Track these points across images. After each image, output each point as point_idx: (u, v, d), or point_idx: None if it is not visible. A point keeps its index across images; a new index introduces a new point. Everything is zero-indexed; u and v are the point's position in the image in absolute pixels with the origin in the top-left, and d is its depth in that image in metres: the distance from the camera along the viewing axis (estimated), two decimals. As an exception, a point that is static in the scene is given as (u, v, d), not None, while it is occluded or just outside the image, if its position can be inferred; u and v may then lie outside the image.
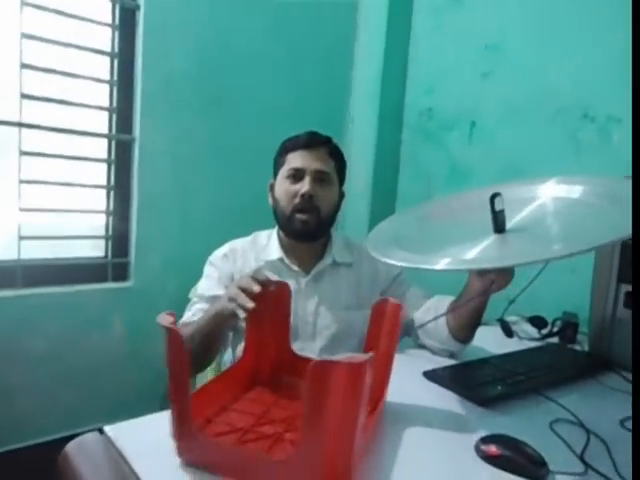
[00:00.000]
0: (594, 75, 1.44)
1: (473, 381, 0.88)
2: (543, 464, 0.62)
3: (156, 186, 1.52)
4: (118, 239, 1.52)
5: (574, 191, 0.83)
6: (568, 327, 1.21)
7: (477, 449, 0.67)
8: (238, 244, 1.11)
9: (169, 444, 0.62)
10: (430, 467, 0.65)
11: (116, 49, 1.45)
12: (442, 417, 0.80)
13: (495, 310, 1.45)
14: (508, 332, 1.29)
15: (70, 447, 0.62)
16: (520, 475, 0.62)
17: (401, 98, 1.96)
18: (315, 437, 0.50)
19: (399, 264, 0.74)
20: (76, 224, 1.51)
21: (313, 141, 1.04)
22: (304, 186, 1.01)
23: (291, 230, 1.04)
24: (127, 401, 1.52)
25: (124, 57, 1.45)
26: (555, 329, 1.26)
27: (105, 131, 1.49)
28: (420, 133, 1.92)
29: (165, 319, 0.59)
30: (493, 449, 0.65)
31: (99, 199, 1.52)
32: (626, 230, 0.60)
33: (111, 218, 1.51)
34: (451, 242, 0.76)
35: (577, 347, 1.17)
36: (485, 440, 0.67)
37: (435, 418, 0.79)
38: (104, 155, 1.50)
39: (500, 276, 0.83)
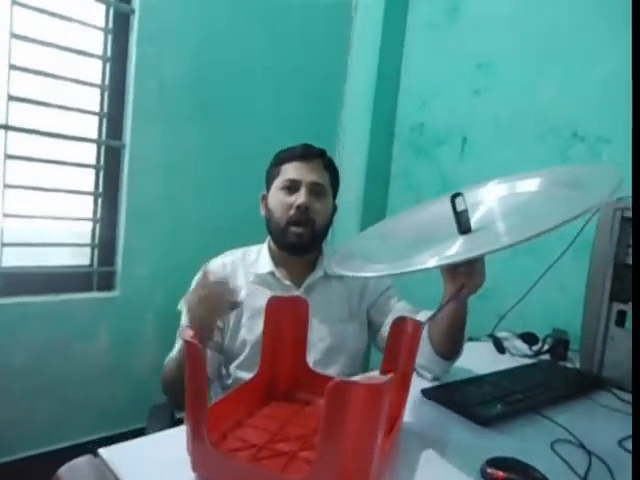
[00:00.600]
0: (584, 95, 1.47)
1: (472, 400, 0.87)
2: (551, 488, 0.62)
3: (145, 194, 1.49)
4: (104, 247, 1.48)
5: (534, 184, 0.85)
6: (559, 344, 1.23)
7: (483, 473, 0.66)
8: (228, 260, 1.10)
9: (169, 465, 0.60)
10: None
11: (109, 53, 1.42)
12: (444, 437, 0.79)
13: (486, 326, 1.46)
14: (500, 348, 1.30)
15: (63, 472, 0.59)
16: (526, 499, 0.62)
17: (393, 112, 1.97)
18: (332, 457, 0.49)
19: (371, 275, 0.75)
20: (55, 231, 1.46)
21: (308, 153, 1.05)
22: (300, 197, 1.01)
23: (285, 243, 1.03)
24: (112, 415, 1.47)
25: (116, 62, 1.42)
26: (546, 346, 1.27)
27: (94, 136, 1.45)
28: (411, 147, 1.93)
29: (186, 333, 0.58)
30: (500, 473, 0.64)
31: (85, 206, 1.47)
32: (583, 206, 0.60)
33: (98, 225, 1.47)
34: (419, 250, 0.74)
35: (568, 364, 1.18)
36: (491, 463, 0.66)
37: (437, 438, 0.78)
38: (93, 161, 1.46)
39: (469, 279, 0.80)
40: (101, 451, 0.62)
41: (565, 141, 1.51)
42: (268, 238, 1.11)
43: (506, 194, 0.86)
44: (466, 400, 0.87)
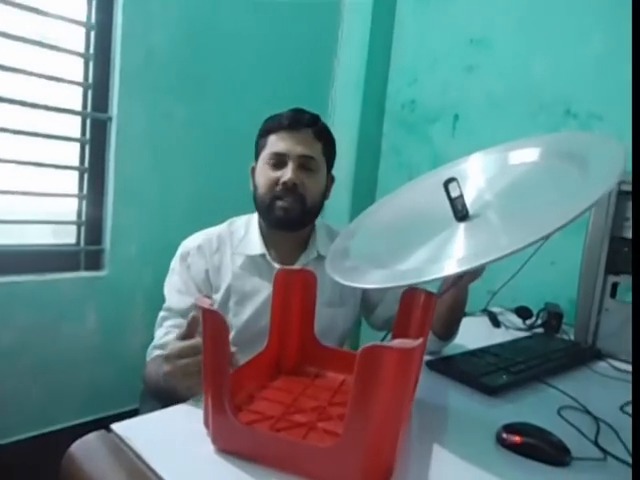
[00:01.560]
0: (577, 72, 1.48)
1: (477, 371, 0.88)
2: (566, 450, 0.63)
3: (134, 169, 1.43)
4: (91, 225, 1.42)
5: (531, 154, 0.78)
6: (553, 317, 1.25)
7: (499, 437, 0.67)
8: (213, 234, 1.01)
9: (185, 438, 0.59)
10: (453, 457, 0.64)
11: (93, 20, 1.34)
12: (453, 407, 0.80)
13: (477, 301, 1.48)
14: (495, 322, 1.32)
15: (75, 449, 0.56)
16: (544, 462, 0.63)
17: (383, 89, 1.95)
18: (363, 424, 0.48)
19: (377, 287, 0.66)
20: (31, 208, 1.39)
21: (297, 121, 0.93)
22: (286, 174, 0.91)
23: (271, 219, 0.95)
24: (102, 397, 1.44)
25: (101, 29, 1.35)
26: (539, 320, 1.30)
27: (79, 108, 1.38)
28: (402, 124, 1.91)
29: (203, 301, 0.55)
30: (516, 437, 0.65)
31: (70, 182, 1.41)
32: (595, 195, 0.56)
33: (84, 202, 1.41)
34: (419, 244, 0.69)
35: (562, 336, 1.21)
36: (507, 428, 0.67)
37: (447, 408, 0.79)
38: (77, 134, 1.39)
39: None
40: (114, 426, 0.60)
41: (558, 118, 1.52)
42: (257, 215, 1.03)
43: (498, 167, 0.82)
44: (472, 371, 0.88)
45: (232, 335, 0.96)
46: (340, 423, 0.62)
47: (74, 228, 1.44)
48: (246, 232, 1.01)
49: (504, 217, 0.69)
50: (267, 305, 0.78)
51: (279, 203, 0.93)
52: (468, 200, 0.71)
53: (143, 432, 0.60)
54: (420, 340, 0.52)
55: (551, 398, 0.83)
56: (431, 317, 0.73)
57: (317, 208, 0.99)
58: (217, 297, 0.97)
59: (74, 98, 1.37)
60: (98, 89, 1.37)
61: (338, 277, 0.69)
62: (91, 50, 1.35)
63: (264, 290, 0.96)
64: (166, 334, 0.93)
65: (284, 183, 0.92)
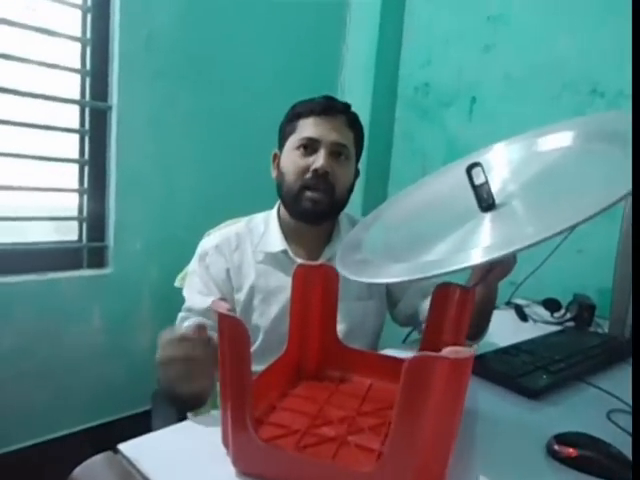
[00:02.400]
0: (604, 48, 1.39)
1: (513, 371, 0.81)
2: (628, 464, 0.56)
3: (136, 161, 1.36)
4: (94, 220, 1.36)
5: (565, 139, 0.70)
6: (585, 310, 1.17)
7: (550, 449, 0.60)
8: (232, 232, 0.96)
9: (201, 459, 0.53)
10: (502, 472, 0.58)
11: (89, 1, 1.26)
12: (494, 413, 0.73)
13: (500, 293, 1.40)
14: (522, 316, 1.25)
15: (78, 474, 0.50)
16: (602, 477, 0.56)
17: (395, 72, 1.86)
18: (409, 444, 0.42)
19: (395, 280, 0.64)
20: (31, 204, 1.32)
21: (331, 107, 0.89)
22: (318, 160, 0.86)
23: (298, 210, 0.90)
24: (108, 399, 1.38)
25: (98, 11, 1.27)
26: (568, 313, 1.22)
27: (77, 97, 1.31)
28: (416, 109, 1.83)
29: (219, 305, 0.49)
30: (571, 449, 0.58)
31: (70, 176, 1.34)
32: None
33: (85, 197, 1.34)
34: (441, 236, 0.62)
35: (599, 330, 1.14)
36: (559, 439, 0.60)
37: (487, 415, 0.72)
38: (76, 125, 1.32)
39: (499, 263, 0.71)
40: (121, 447, 0.53)
41: (583, 98, 1.43)
42: (276, 206, 0.98)
43: (525, 156, 0.74)
44: (508, 372, 0.81)
45: (260, 338, 0.92)
46: (373, 436, 0.56)
47: (75, 224, 1.37)
48: (266, 228, 0.96)
49: (534, 205, 0.61)
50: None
51: (308, 194, 0.88)
52: (494, 190, 0.63)
53: (154, 452, 0.54)
54: (474, 349, 0.46)
55: (596, 400, 0.77)
56: (468, 315, 0.66)
57: (344, 201, 0.94)
58: (240, 297, 0.93)
59: (71, 86, 1.29)
60: (97, 76, 1.30)
61: (348, 272, 0.62)
62: (88, 34, 1.27)
63: (289, 287, 0.90)
64: None
65: (315, 170, 0.87)
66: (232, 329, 0.48)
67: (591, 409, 0.74)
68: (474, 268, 0.74)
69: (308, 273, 0.71)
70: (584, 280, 1.40)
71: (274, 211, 0.98)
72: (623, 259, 1.07)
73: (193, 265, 0.95)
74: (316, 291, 0.71)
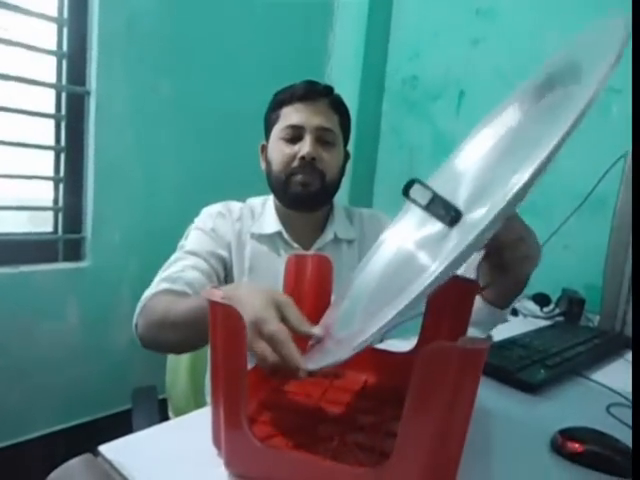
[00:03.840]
0: (593, 44, 1.39)
1: (510, 365, 0.79)
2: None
3: (116, 149, 1.30)
4: (70, 211, 1.29)
5: (509, 116, 0.59)
6: (575, 304, 1.17)
7: (555, 445, 0.58)
8: (234, 206, 0.95)
9: (188, 460, 0.49)
10: (506, 468, 0.55)
11: (66, -20, 1.20)
12: (492, 408, 0.71)
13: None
14: (513, 310, 1.24)
15: (54, 478, 0.45)
16: (610, 473, 0.54)
17: (383, 64, 1.84)
18: (421, 440, 0.40)
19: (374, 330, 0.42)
20: (3, 192, 1.25)
21: (312, 91, 0.87)
22: (304, 147, 0.85)
23: (289, 196, 0.88)
24: (86, 399, 1.32)
25: (76, -10, 1.21)
26: (557, 309, 1.22)
27: (53, 81, 1.24)
28: (403, 102, 1.81)
29: (213, 293, 0.45)
30: (576, 444, 0.56)
31: (45, 163, 1.27)
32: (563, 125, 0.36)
33: (61, 186, 1.28)
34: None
35: (589, 325, 1.13)
36: (564, 434, 0.58)
37: (486, 409, 0.69)
38: (52, 110, 1.25)
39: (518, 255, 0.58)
40: (102, 449, 0.49)
41: (571, 93, 1.43)
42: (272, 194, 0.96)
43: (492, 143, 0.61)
44: (505, 366, 0.79)
45: None
46: (372, 435, 0.53)
47: (51, 215, 1.30)
48: (262, 210, 0.95)
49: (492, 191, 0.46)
50: None
51: (297, 178, 0.86)
52: (463, 197, 0.51)
53: (137, 454, 0.49)
54: (490, 340, 0.43)
55: (594, 394, 0.76)
56: (469, 308, 0.64)
57: (336, 185, 0.92)
58: (233, 271, 0.89)
59: (47, 69, 1.23)
60: (74, 59, 1.23)
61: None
62: (65, 14, 1.21)
63: (281, 271, 0.87)
64: (180, 271, 0.81)
65: (302, 158, 0.85)
66: (228, 320, 0.44)
67: (590, 403, 0.72)
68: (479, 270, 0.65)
69: (300, 262, 0.68)
70: (571, 275, 1.40)
71: (271, 197, 0.96)
72: (614, 254, 1.07)
73: (196, 225, 0.91)
74: (309, 282, 0.68)
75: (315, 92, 0.87)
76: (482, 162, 0.58)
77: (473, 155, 0.61)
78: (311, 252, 0.86)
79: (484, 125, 0.64)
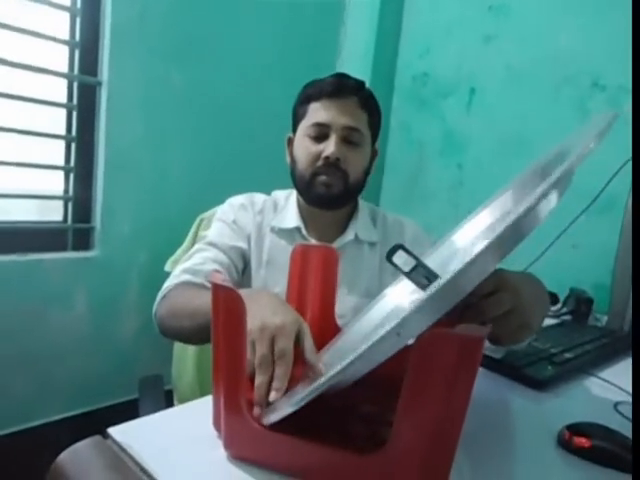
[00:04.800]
0: (606, 42, 1.38)
1: (518, 361, 0.79)
2: (644, 456, 0.54)
3: (126, 139, 1.31)
4: (80, 200, 1.30)
5: (506, 200, 0.60)
6: (583, 304, 1.16)
7: (562, 440, 0.58)
8: (258, 198, 0.95)
9: (193, 442, 0.50)
10: (511, 463, 0.55)
11: (80, -30, 1.20)
12: (500, 403, 0.71)
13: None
14: (520, 308, 1.23)
15: (64, 459, 0.46)
16: (617, 469, 0.54)
17: (393, 61, 1.83)
18: (417, 428, 0.40)
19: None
20: (14, 181, 1.25)
21: (341, 88, 0.85)
22: (329, 147, 0.83)
23: (311, 195, 0.88)
24: (93, 387, 1.33)
25: (89, -20, 1.21)
26: (565, 308, 1.21)
27: (65, 70, 1.24)
28: (413, 99, 1.80)
29: (215, 277, 0.46)
30: (584, 440, 0.56)
31: (56, 153, 1.28)
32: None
33: (71, 176, 1.28)
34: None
35: (597, 324, 1.13)
36: (572, 429, 0.57)
37: (493, 405, 0.69)
38: (63, 100, 1.26)
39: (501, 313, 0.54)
40: (111, 431, 0.49)
41: (584, 91, 1.42)
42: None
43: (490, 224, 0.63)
44: (513, 362, 0.78)
45: None
46: (373, 424, 0.53)
47: (61, 204, 1.31)
48: (285, 204, 0.95)
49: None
50: None
51: (321, 178, 0.85)
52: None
53: (146, 437, 0.50)
54: (488, 327, 0.44)
55: (602, 391, 0.75)
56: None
57: (360, 185, 0.90)
58: (252, 263, 0.90)
59: (59, 59, 1.23)
60: (86, 49, 1.24)
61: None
62: (78, 4, 1.21)
63: None
64: (202, 264, 0.82)
65: (326, 158, 0.84)
66: (229, 303, 0.44)
67: (598, 400, 0.72)
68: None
69: (307, 253, 0.68)
70: (579, 275, 1.39)
71: (295, 190, 0.95)
72: (623, 253, 1.06)
73: (219, 216, 0.93)
74: (315, 273, 0.68)
75: (345, 89, 0.85)
76: (475, 240, 0.59)
77: (469, 234, 0.62)
78: (317, 243, 0.86)
79: (484, 207, 0.64)
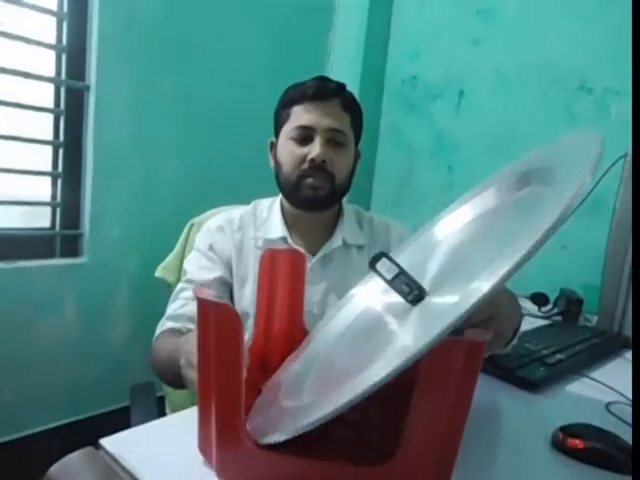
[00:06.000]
0: (592, 45, 1.39)
1: (510, 363, 0.80)
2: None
3: (115, 144, 1.29)
4: (68, 206, 1.28)
5: (488, 198, 0.60)
6: (573, 304, 1.17)
7: (556, 441, 0.58)
8: (236, 214, 0.94)
9: (189, 454, 0.48)
10: (505, 465, 0.56)
11: (66, -26, 1.19)
12: (493, 405, 0.71)
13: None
14: (511, 310, 1.24)
15: (56, 471, 0.45)
16: (610, 470, 0.54)
17: (383, 64, 1.84)
18: (429, 433, 0.40)
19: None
20: (1, 188, 1.23)
21: (324, 90, 0.85)
22: (314, 149, 0.83)
23: (298, 198, 0.87)
24: (84, 396, 1.31)
25: (76, -16, 1.20)
26: (555, 308, 1.22)
27: (52, 75, 1.23)
28: (403, 102, 1.81)
29: (203, 292, 0.44)
30: (577, 441, 0.56)
31: (44, 158, 1.27)
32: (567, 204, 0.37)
33: (59, 181, 1.27)
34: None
35: (587, 324, 1.14)
36: (565, 431, 0.58)
37: (485, 407, 0.70)
38: (50, 104, 1.24)
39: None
40: (103, 442, 0.49)
41: (571, 94, 1.43)
42: (280, 196, 0.95)
43: (458, 227, 0.61)
44: (505, 364, 0.79)
45: (250, 322, 0.83)
46: (360, 431, 0.52)
47: (48, 210, 1.29)
48: (269, 215, 0.93)
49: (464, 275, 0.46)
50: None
51: (307, 181, 0.85)
52: (431, 274, 0.52)
53: (138, 448, 0.49)
54: (490, 331, 0.44)
55: (594, 392, 0.76)
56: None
57: (345, 186, 0.90)
58: (237, 281, 0.89)
59: (46, 63, 1.22)
60: (74, 53, 1.22)
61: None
62: (65, 8, 1.20)
63: None
64: (182, 306, 0.84)
65: (312, 160, 0.83)
66: (222, 318, 0.42)
67: (590, 401, 0.73)
68: None
69: (275, 258, 0.67)
70: (569, 275, 1.40)
71: (278, 198, 0.95)
72: (613, 254, 1.07)
73: (196, 243, 0.93)
74: (283, 277, 0.66)
75: (327, 91, 0.85)
76: (456, 238, 0.59)
77: (449, 228, 0.62)
78: (285, 247, 0.85)
79: (464, 201, 0.64)
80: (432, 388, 0.39)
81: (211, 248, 0.90)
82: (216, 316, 0.43)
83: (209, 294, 0.44)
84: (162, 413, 1.05)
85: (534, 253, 0.35)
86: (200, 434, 0.48)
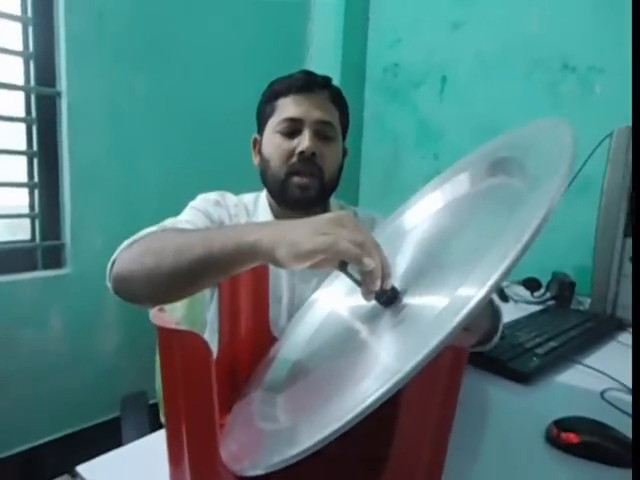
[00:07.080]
0: (574, 24, 1.37)
1: (502, 355, 0.78)
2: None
3: (92, 151, 1.26)
4: (47, 217, 1.25)
5: (460, 182, 0.57)
6: (566, 288, 1.16)
7: (550, 436, 0.57)
8: (230, 200, 0.88)
9: (164, 477, 0.46)
10: (498, 461, 0.54)
11: (28, -24, 1.15)
12: (485, 400, 0.69)
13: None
14: (503, 297, 1.23)
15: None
16: (607, 463, 0.53)
17: (363, 52, 1.81)
18: (420, 439, 0.39)
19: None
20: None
21: (311, 83, 0.81)
22: (303, 142, 0.78)
23: (286, 197, 0.82)
24: (70, 410, 1.29)
25: (39, -13, 1.16)
26: (548, 293, 1.21)
27: (21, 82, 1.19)
28: (385, 90, 1.78)
29: (164, 319, 0.39)
30: (572, 435, 0.55)
31: (18, 169, 1.23)
32: (552, 200, 0.34)
33: (36, 192, 1.23)
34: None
35: (580, 308, 1.12)
36: (559, 425, 0.56)
37: (478, 402, 0.68)
38: (22, 113, 1.21)
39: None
40: (80, 469, 0.46)
41: (554, 74, 1.41)
42: (265, 191, 0.90)
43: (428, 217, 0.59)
44: (496, 356, 0.77)
45: None
46: (344, 443, 0.50)
47: (27, 222, 1.26)
48: (255, 209, 0.88)
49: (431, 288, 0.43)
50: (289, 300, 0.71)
51: (296, 180, 0.80)
52: (401, 270, 0.49)
53: (117, 473, 0.47)
54: (475, 334, 0.42)
55: (588, 379, 0.75)
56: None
57: (334, 183, 0.86)
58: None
59: (15, 71, 1.18)
60: (42, 59, 1.18)
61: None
62: (29, 12, 1.16)
63: (279, 280, 0.83)
64: (176, 223, 0.75)
65: (301, 153, 0.79)
66: (188, 351, 0.38)
67: (584, 389, 0.72)
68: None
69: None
70: (561, 258, 1.39)
71: (264, 193, 0.90)
72: (602, 234, 1.06)
73: (192, 204, 0.83)
74: (246, 284, 0.62)
75: (314, 83, 0.81)
76: (426, 228, 0.57)
77: (419, 217, 0.60)
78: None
79: (434, 187, 0.62)
80: (419, 398, 0.38)
81: (209, 214, 0.81)
82: (180, 348, 0.38)
83: (171, 322, 0.39)
84: (156, 421, 1.03)
85: (525, 252, 0.32)
86: (172, 471, 0.43)
